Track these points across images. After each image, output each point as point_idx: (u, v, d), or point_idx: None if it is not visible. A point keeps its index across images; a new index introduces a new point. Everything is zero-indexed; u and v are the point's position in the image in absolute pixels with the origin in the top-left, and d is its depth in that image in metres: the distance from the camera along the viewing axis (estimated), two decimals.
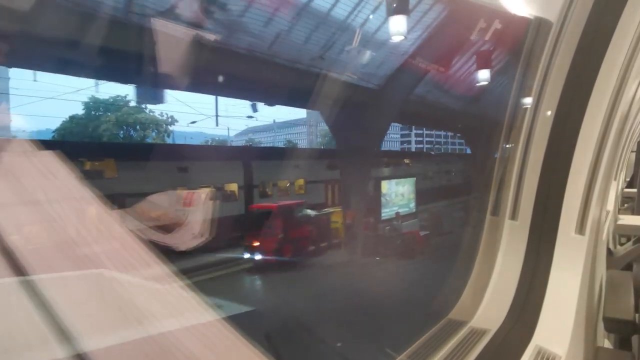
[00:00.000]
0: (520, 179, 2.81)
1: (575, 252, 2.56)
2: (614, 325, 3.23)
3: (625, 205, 9.61)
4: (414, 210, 19.08)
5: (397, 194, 18.28)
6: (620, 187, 8.79)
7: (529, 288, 2.70)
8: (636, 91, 3.64)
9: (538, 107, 2.70)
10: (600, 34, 2.36)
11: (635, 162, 10.46)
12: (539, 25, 2.71)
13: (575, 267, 2.55)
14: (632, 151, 9.84)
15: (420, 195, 22.06)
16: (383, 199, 17.43)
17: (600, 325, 3.31)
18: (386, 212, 17.21)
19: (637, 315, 3.21)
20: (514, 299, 2.74)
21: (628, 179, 11.07)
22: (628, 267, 4.79)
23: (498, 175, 3.08)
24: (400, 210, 17.53)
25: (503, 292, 2.79)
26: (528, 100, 2.78)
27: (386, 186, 17.91)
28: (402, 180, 19.46)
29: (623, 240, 6.73)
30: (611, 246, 5.65)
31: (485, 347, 2.47)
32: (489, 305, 2.82)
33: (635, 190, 9.14)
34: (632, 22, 2.28)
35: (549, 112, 2.63)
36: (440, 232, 18.29)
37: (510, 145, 2.95)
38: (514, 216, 2.84)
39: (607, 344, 3.67)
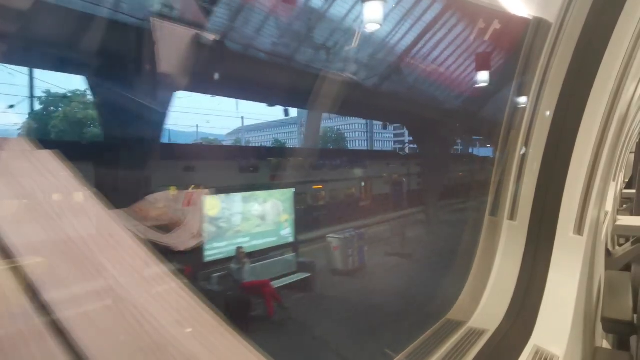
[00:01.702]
0: (518, 180, 2.81)
1: (574, 253, 2.56)
2: (612, 326, 3.23)
3: (624, 206, 9.62)
4: (289, 240, 12.15)
5: (248, 217, 11.34)
6: (619, 188, 8.81)
7: (527, 288, 2.70)
8: (635, 92, 3.65)
9: (537, 107, 2.70)
10: (598, 35, 2.37)
11: (634, 163, 10.48)
12: (538, 26, 2.71)
13: (573, 268, 2.55)
14: (630, 152, 9.86)
15: (312, 215, 16.31)
16: (212, 227, 10.42)
17: (599, 326, 3.31)
18: (219, 249, 10.50)
19: (635, 316, 3.21)
20: (512, 299, 2.75)
21: (627, 180, 11.09)
22: (627, 268, 4.79)
23: (497, 176, 3.09)
24: (250, 244, 11.00)
25: (501, 292, 2.79)
26: (527, 101, 2.79)
27: (219, 204, 10.75)
28: (262, 193, 11.96)
29: (622, 241, 6.74)
30: (610, 247, 5.65)
31: (484, 347, 2.48)
32: (488, 306, 2.82)
33: (634, 191, 9.15)
34: (631, 23, 2.28)
35: (548, 113, 2.64)
36: (337, 271, 12.28)
37: (509, 146, 2.96)
38: (512, 216, 2.85)
39: (605, 344, 3.67)
